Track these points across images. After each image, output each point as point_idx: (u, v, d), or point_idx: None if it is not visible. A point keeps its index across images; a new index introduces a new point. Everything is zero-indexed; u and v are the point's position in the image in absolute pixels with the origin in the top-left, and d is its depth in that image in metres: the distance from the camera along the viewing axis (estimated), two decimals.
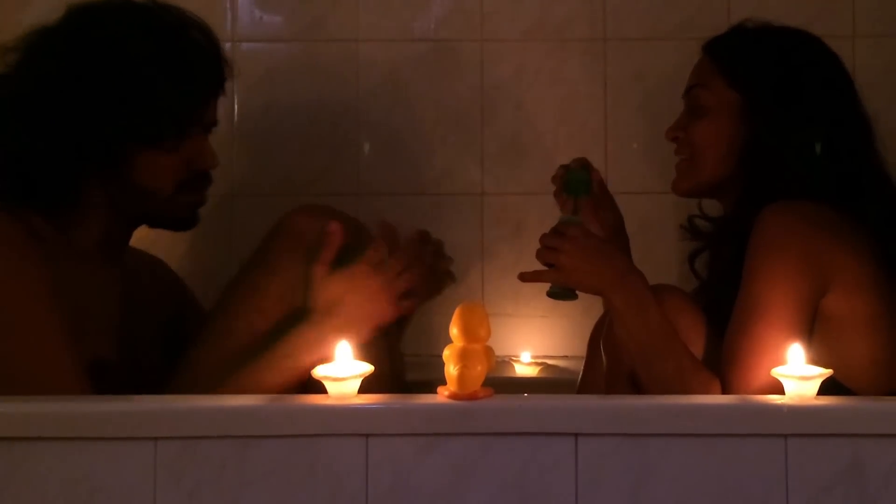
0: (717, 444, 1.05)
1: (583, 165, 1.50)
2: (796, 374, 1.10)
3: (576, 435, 1.05)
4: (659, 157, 1.93)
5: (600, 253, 1.33)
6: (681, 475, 1.05)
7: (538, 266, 1.38)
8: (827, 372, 1.10)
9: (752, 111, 1.38)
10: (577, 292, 1.39)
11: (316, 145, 1.97)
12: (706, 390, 1.24)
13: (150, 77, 1.27)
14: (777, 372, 1.11)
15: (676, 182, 1.49)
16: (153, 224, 1.41)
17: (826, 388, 1.10)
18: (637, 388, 1.33)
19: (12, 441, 1.04)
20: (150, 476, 1.03)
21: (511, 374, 1.88)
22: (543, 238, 1.37)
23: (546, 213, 1.93)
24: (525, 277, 1.39)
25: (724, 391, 1.23)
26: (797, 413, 1.06)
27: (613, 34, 1.96)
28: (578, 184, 1.46)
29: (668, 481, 1.05)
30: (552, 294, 1.40)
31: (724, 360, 1.25)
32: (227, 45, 1.96)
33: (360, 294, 1.26)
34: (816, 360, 1.14)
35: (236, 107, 1.98)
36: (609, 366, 1.40)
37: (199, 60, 1.32)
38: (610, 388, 1.39)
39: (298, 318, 1.26)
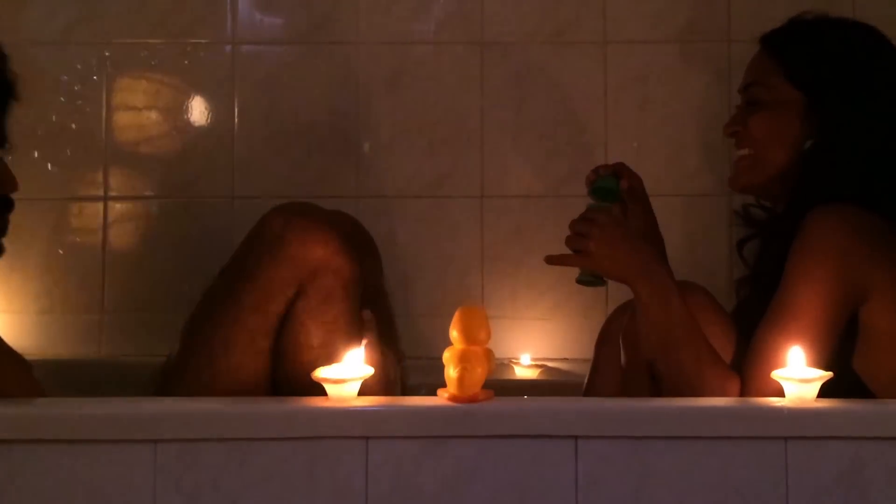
0: (717, 446, 1.05)
1: (614, 172, 1.45)
2: (796, 376, 1.10)
3: (576, 437, 1.05)
4: (659, 158, 1.93)
5: (628, 241, 1.32)
6: (681, 478, 1.05)
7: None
8: (827, 374, 1.09)
9: (816, 111, 1.34)
10: (605, 280, 1.38)
11: (316, 147, 1.97)
12: (722, 384, 1.23)
13: None
14: (777, 374, 1.11)
15: (735, 178, 1.44)
16: None
17: (853, 393, 1.09)
18: (656, 381, 1.33)
19: (12, 443, 1.03)
20: (149, 479, 1.03)
21: (511, 377, 1.88)
22: (573, 224, 1.36)
23: (546, 215, 1.94)
24: (552, 260, 1.38)
25: (745, 384, 1.22)
26: (797, 416, 1.06)
27: (613, 37, 1.96)
28: (605, 191, 1.43)
29: (668, 484, 1.05)
30: (581, 281, 1.40)
31: (749, 354, 1.24)
32: (227, 48, 1.98)
33: None
34: (851, 367, 1.13)
35: (236, 109, 1.97)
36: (628, 359, 1.39)
37: None
38: (628, 382, 1.38)
39: None
